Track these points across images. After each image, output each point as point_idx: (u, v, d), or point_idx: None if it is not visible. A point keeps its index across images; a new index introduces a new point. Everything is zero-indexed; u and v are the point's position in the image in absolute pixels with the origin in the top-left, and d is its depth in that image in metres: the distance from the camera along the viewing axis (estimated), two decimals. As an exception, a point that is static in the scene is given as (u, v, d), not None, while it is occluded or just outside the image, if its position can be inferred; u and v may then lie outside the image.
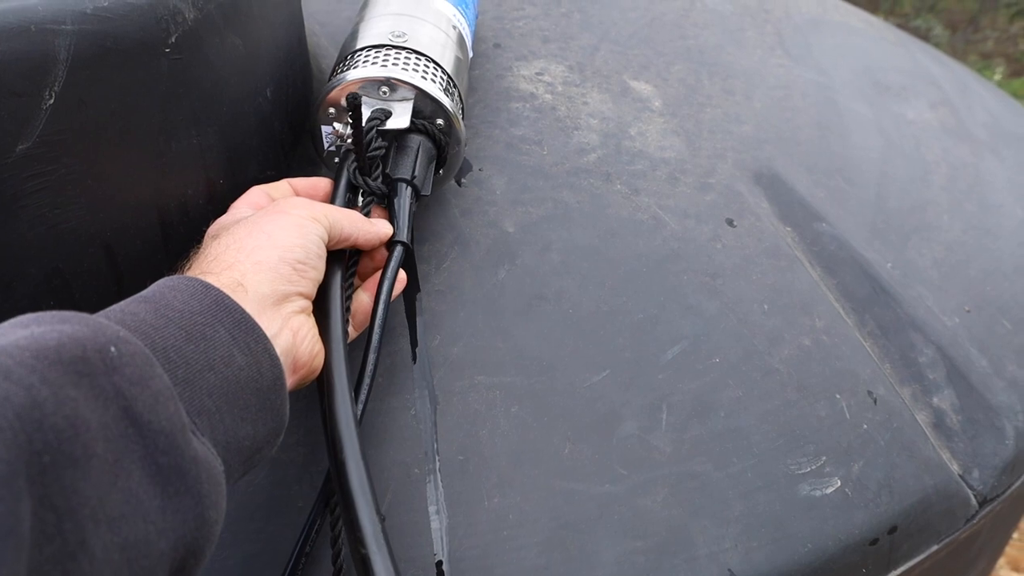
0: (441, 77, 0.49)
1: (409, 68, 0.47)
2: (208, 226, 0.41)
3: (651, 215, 0.58)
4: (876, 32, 1.02)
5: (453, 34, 0.54)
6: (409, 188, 0.46)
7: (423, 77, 0.47)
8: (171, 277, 0.34)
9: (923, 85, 0.90)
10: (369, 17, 0.53)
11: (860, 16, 1.08)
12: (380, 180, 0.46)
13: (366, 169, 0.45)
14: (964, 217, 0.70)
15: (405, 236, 0.44)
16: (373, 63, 0.47)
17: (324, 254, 0.40)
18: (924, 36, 6.04)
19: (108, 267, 0.40)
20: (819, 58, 0.84)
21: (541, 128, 0.62)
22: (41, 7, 0.34)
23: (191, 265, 0.37)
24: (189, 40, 0.40)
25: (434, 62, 0.49)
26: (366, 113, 0.46)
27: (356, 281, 0.44)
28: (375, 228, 0.44)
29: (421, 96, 0.47)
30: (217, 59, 0.43)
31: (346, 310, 0.41)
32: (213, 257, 0.37)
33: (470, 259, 0.52)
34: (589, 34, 0.74)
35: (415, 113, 0.47)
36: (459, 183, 0.56)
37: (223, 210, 0.43)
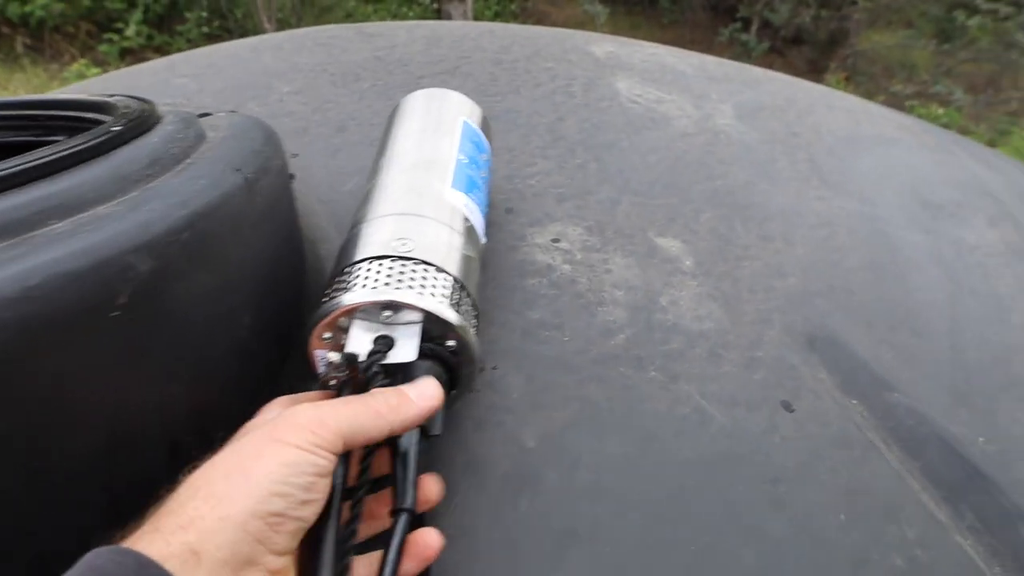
0: (449, 288, 0.43)
1: (416, 285, 0.41)
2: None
3: (693, 407, 0.50)
4: (914, 139, 0.96)
5: (462, 227, 0.49)
6: (415, 432, 0.39)
7: (432, 295, 0.41)
8: (100, 550, 0.28)
9: (976, 197, 0.83)
10: (371, 217, 0.48)
11: (894, 121, 1.02)
12: None
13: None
14: (1057, 363, 0.60)
15: (410, 501, 0.37)
16: (373, 282, 0.41)
17: (323, 488, 0.34)
18: (945, 101, 6.01)
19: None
20: (860, 183, 0.77)
21: (560, 308, 0.55)
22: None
23: (152, 514, 0.31)
24: (145, 294, 0.35)
25: (444, 272, 0.43)
26: (366, 341, 0.40)
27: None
28: (413, 408, 0.38)
29: (428, 317, 0.41)
30: (182, 305, 0.37)
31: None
32: (176, 506, 0.31)
33: (486, 489, 0.45)
34: (608, 186, 0.69)
35: (423, 335, 0.41)
36: (471, 388, 0.50)
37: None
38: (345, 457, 0.36)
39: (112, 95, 0.58)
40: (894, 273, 0.64)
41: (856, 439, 0.50)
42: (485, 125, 0.61)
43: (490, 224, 0.63)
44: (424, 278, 0.42)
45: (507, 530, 0.43)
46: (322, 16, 5.68)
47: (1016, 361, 0.59)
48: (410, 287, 0.40)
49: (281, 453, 0.33)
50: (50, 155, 0.39)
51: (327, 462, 0.34)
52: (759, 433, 0.49)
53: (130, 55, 5.08)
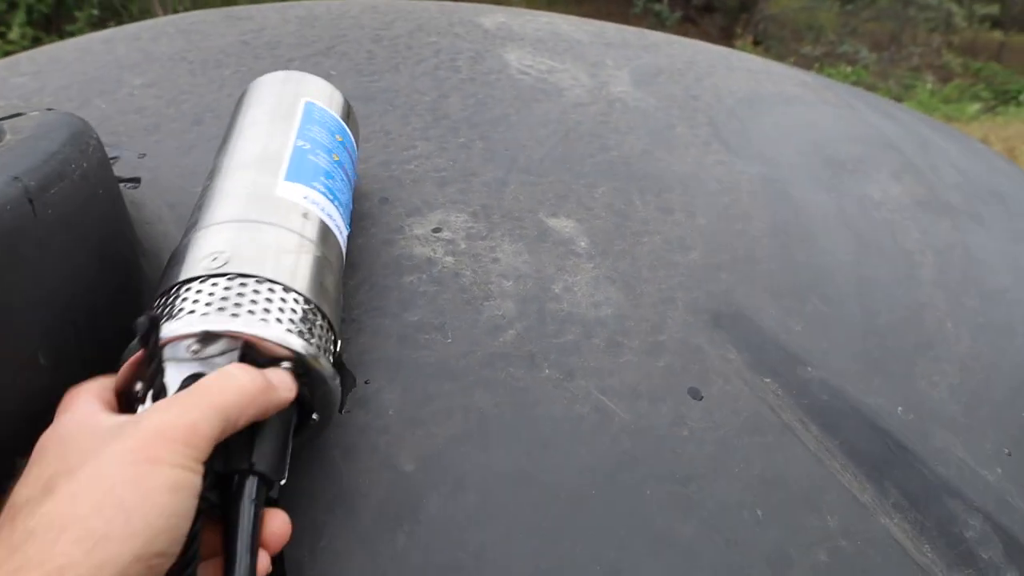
0: (284, 303, 0.36)
1: (231, 305, 0.34)
2: None
3: (592, 405, 0.45)
4: (815, 95, 0.93)
5: (308, 227, 0.42)
6: (253, 480, 0.32)
7: (251, 313, 0.34)
8: None
9: (879, 151, 0.81)
10: (196, 229, 0.40)
11: (794, 79, 0.99)
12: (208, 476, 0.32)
13: None
14: (969, 317, 0.58)
15: (245, 568, 0.30)
16: (177, 314, 0.34)
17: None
18: (852, 60, 6.21)
19: None
20: (761, 144, 0.74)
21: (442, 306, 0.49)
22: None
23: None
24: None
25: (280, 285, 0.36)
26: (175, 383, 0.32)
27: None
28: (277, 393, 0.33)
29: (253, 344, 0.34)
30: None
31: None
32: (35, 546, 0.24)
33: (357, 526, 0.38)
34: (494, 166, 0.63)
35: (251, 361, 0.34)
36: (340, 409, 0.43)
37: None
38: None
39: None
40: (799, 237, 0.61)
41: (770, 422, 0.46)
42: (347, 110, 0.54)
43: (362, 217, 0.56)
44: (244, 295, 0.35)
45: (382, 572, 0.37)
46: (226, 6, 5.41)
47: (928, 319, 0.57)
48: (221, 309, 0.33)
49: (162, 477, 0.27)
50: None
51: (199, 477, 0.28)
52: (665, 427, 0.44)
53: (13, 60, 4.73)
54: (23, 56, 1.00)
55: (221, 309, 0.33)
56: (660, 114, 0.75)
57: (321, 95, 0.51)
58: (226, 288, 0.35)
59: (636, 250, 0.56)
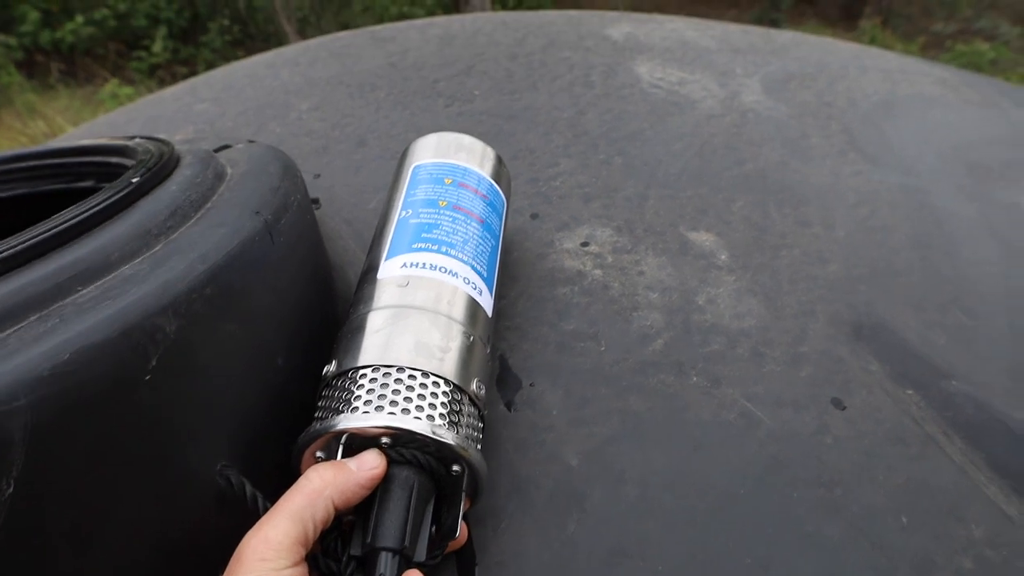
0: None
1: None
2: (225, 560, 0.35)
3: (739, 411, 0.48)
4: (956, 95, 0.91)
5: (407, 295, 0.44)
6: (396, 559, 0.35)
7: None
8: None
9: (1028, 154, 0.78)
10: (363, 313, 0.44)
11: (932, 76, 0.97)
12: (350, 563, 0.36)
13: (333, 548, 0.37)
14: None
15: None
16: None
17: None
18: (991, 36, 5.73)
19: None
20: (899, 152, 0.74)
21: (595, 316, 0.54)
22: (-13, 387, 0.29)
23: None
24: (174, 354, 0.35)
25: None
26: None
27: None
28: (352, 476, 0.36)
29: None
30: (211, 358, 0.38)
31: None
32: None
33: (532, 511, 0.44)
34: (634, 180, 0.67)
35: (404, 443, 0.38)
36: (509, 408, 0.49)
37: (242, 525, 0.36)
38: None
39: (132, 137, 0.58)
40: (942, 248, 0.61)
41: (913, 433, 0.48)
42: (497, 168, 0.56)
43: (515, 232, 0.62)
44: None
45: (556, 553, 0.42)
46: (341, 12, 5.68)
47: (1082, 333, 0.56)
48: (391, 410, 0.38)
49: None
50: (74, 217, 0.39)
51: (296, 571, 0.33)
52: (809, 435, 0.47)
53: (160, 69, 5.17)
54: (199, 81, 1.13)
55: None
56: (793, 123, 0.76)
57: (474, 157, 0.55)
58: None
59: (775, 263, 0.59)
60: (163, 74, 5.16)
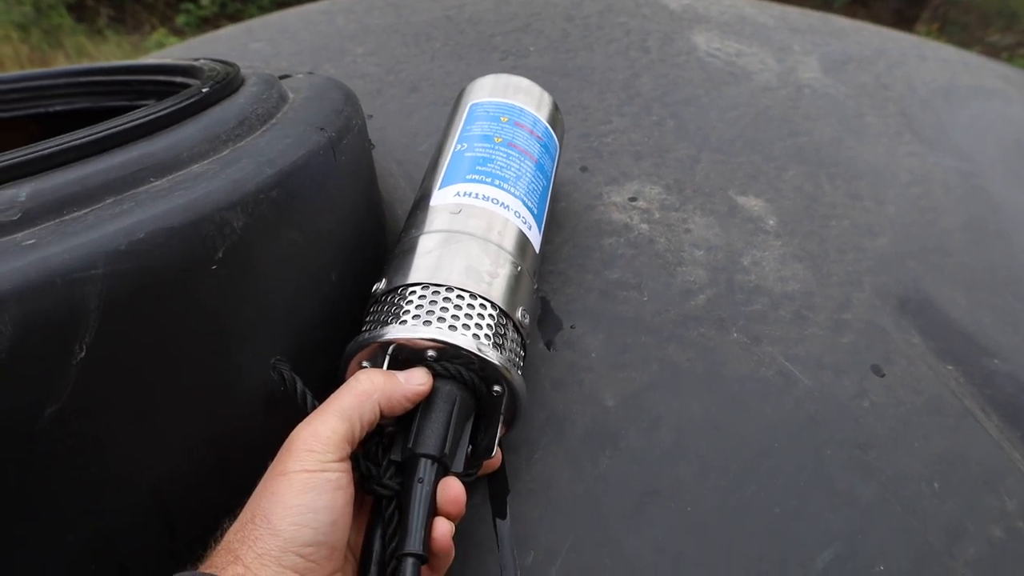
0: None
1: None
2: (270, 456, 0.36)
3: (778, 369, 0.48)
4: (1017, 90, 0.89)
5: (458, 222, 0.44)
6: (434, 466, 0.36)
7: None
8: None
9: (1089, 152, 0.77)
10: (415, 236, 0.45)
11: (994, 71, 0.95)
12: (390, 467, 0.37)
13: (374, 452, 0.38)
14: None
15: (418, 545, 0.34)
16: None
17: (344, 500, 0.34)
18: (1049, 51, 5.55)
19: (158, 519, 0.35)
20: (957, 138, 0.73)
21: (639, 267, 0.54)
22: (67, 254, 0.30)
23: (218, 540, 0.33)
24: (239, 250, 0.36)
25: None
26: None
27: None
28: (400, 387, 0.37)
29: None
30: (272, 261, 0.38)
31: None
32: (228, 540, 0.32)
33: (566, 446, 0.45)
34: (686, 143, 0.67)
35: (449, 358, 0.39)
36: (549, 347, 0.50)
37: (286, 426, 0.38)
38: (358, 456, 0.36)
39: (197, 59, 0.59)
40: (995, 232, 0.61)
41: (951, 406, 0.48)
42: (553, 113, 0.57)
43: (564, 183, 0.62)
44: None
45: (588, 486, 0.43)
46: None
47: None
48: (439, 322, 0.39)
49: (293, 485, 0.33)
50: (146, 116, 0.40)
51: (339, 472, 0.34)
52: (847, 399, 0.47)
53: (206, 24, 5.21)
54: (255, 23, 1.14)
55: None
56: (850, 102, 0.76)
57: (526, 97, 0.55)
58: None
59: (824, 232, 0.58)
60: (210, 29, 5.19)
